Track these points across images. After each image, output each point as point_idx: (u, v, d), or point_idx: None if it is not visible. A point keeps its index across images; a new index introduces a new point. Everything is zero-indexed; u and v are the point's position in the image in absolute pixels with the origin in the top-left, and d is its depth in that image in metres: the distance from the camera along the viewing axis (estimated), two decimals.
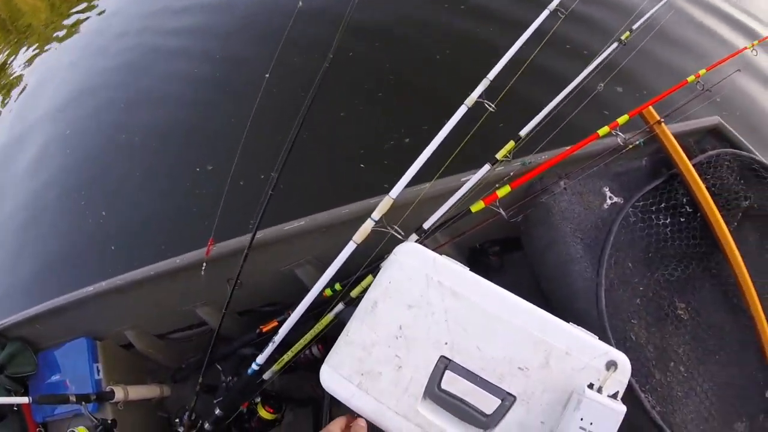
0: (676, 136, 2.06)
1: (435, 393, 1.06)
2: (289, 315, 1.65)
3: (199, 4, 5.58)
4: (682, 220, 2.00)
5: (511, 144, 1.84)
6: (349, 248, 1.48)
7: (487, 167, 1.80)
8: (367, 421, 1.04)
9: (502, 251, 2.62)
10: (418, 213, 1.67)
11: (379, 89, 4.06)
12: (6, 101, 6.06)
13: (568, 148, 1.93)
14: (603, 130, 1.92)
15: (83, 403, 1.93)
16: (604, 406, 0.94)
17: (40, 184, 4.45)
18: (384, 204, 1.47)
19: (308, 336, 1.77)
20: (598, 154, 1.97)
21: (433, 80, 4.02)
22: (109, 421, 1.96)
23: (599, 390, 0.98)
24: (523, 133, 1.88)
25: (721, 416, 1.81)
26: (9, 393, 2.07)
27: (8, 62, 7.04)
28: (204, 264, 1.97)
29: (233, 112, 4.09)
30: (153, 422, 2.45)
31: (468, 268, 1.16)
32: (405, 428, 1.04)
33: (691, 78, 2.12)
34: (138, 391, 2.29)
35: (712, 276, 2.02)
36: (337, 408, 1.09)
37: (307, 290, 1.61)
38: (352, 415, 1.07)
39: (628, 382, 1.03)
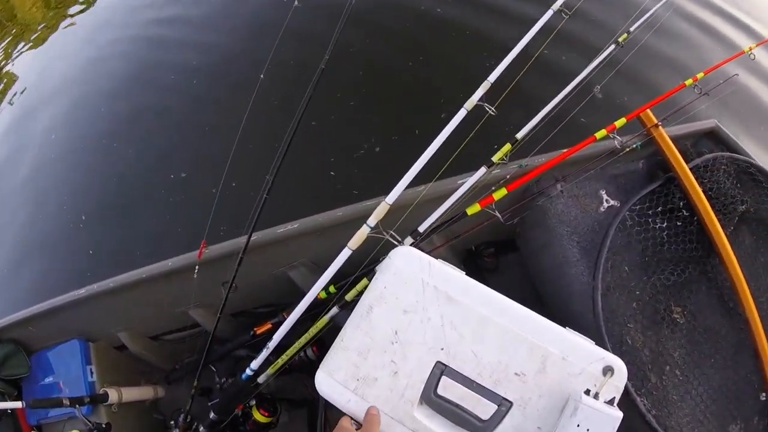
0: (673, 139, 2.06)
1: (431, 398, 1.06)
2: (284, 317, 1.65)
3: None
4: (678, 224, 1.99)
5: (507, 147, 1.83)
6: (345, 254, 1.47)
7: (483, 170, 1.79)
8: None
9: (497, 253, 2.63)
10: (413, 216, 1.66)
11: (375, 89, 4.02)
12: None
13: (565, 150, 1.92)
14: (600, 133, 1.92)
15: (77, 406, 1.92)
16: (600, 413, 0.95)
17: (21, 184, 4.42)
18: (380, 210, 1.46)
19: (303, 340, 1.76)
20: (595, 157, 1.97)
21: (428, 79, 3.98)
22: (104, 425, 1.95)
23: (596, 396, 0.99)
24: (519, 135, 1.87)
25: (716, 419, 1.81)
26: (2, 395, 2.06)
27: None
28: (197, 267, 1.96)
29: (224, 113, 4.05)
30: (148, 425, 2.43)
31: (464, 272, 1.16)
32: None
33: (688, 81, 2.11)
34: (132, 393, 2.28)
35: (708, 280, 2.02)
36: (331, 409, 1.08)
37: (301, 292, 1.60)
38: None
39: (624, 386, 1.03)
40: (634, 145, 1.97)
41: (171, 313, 2.33)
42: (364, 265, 1.63)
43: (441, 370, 1.07)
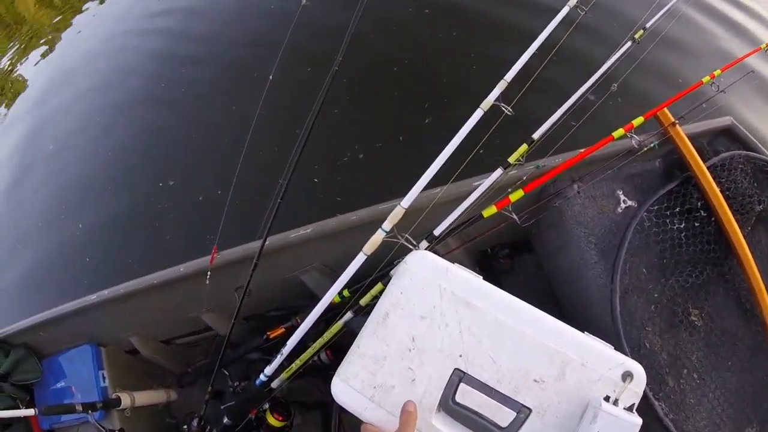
0: (689, 137, 2.03)
1: (449, 406, 1.04)
2: (297, 321, 1.63)
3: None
4: (696, 224, 1.96)
5: (524, 147, 1.80)
6: (359, 259, 1.45)
7: (499, 171, 1.76)
8: None
9: (512, 254, 2.60)
10: (429, 218, 1.64)
11: (387, 87, 3.96)
12: None
13: (582, 150, 1.89)
14: (618, 132, 1.89)
15: (90, 411, 1.92)
16: (620, 420, 0.93)
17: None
18: (395, 214, 1.43)
19: (317, 345, 1.74)
20: (612, 156, 1.94)
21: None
22: (117, 431, 1.95)
23: (615, 402, 0.97)
24: (536, 135, 1.85)
25: (733, 422, 1.79)
26: (14, 401, 2.07)
27: None
28: (209, 272, 1.95)
29: (230, 116, 4.06)
30: (161, 428, 2.43)
31: (481, 277, 1.14)
32: None
33: (706, 79, 2.09)
34: (144, 397, 2.28)
35: (726, 281, 1.99)
36: (346, 412, 1.07)
37: (314, 296, 1.59)
38: None
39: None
40: (652, 145, 1.95)
41: (183, 317, 2.33)
42: (378, 269, 1.61)
43: (459, 377, 1.05)
